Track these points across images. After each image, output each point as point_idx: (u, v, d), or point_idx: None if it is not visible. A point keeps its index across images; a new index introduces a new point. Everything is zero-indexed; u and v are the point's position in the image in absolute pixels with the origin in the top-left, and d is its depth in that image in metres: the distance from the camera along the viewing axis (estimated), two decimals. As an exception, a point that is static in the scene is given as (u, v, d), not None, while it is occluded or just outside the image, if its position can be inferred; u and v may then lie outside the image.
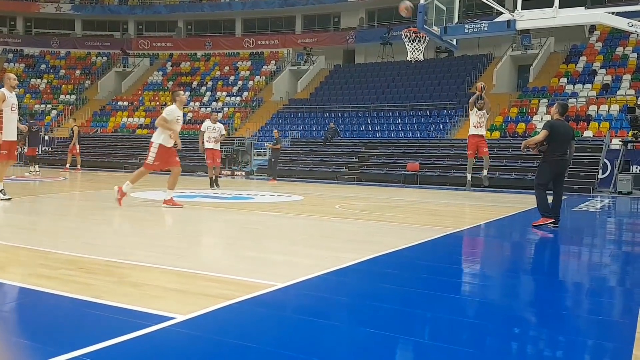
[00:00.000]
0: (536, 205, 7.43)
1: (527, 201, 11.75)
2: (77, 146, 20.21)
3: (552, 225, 7.23)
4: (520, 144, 7.83)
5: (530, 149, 7.54)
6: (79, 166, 20.92)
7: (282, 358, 2.33)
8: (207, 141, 13.08)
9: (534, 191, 7.49)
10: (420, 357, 2.48)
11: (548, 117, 22.38)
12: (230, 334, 2.66)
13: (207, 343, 2.50)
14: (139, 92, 35.39)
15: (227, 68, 35.69)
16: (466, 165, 13.90)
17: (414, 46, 14.71)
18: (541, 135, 7.22)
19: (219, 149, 13.47)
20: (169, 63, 37.72)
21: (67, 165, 20.92)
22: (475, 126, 12.84)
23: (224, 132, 13.51)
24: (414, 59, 15.01)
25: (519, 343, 2.74)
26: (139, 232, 5.43)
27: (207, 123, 13.26)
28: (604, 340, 2.83)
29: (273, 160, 19.57)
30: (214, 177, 13.28)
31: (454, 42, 13.15)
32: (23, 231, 5.74)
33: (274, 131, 20.62)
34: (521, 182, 17.47)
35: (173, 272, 3.80)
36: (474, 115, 12.86)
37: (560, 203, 7.40)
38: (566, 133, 7.33)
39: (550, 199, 7.40)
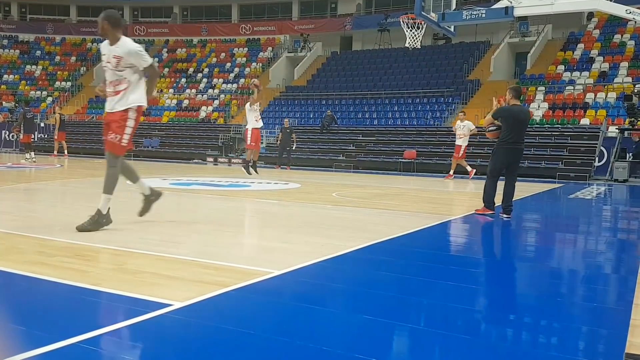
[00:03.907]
0: (483, 193, 7.08)
1: (523, 189, 11.77)
2: (57, 133, 20.67)
3: (505, 216, 6.89)
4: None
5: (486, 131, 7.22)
6: (65, 152, 21.20)
7: (279, 344, 2.35)
8: None
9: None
10: (416, 344, 2.50)
11: (545, 105, 22.39)
12: (227, 320, 2.67)
13: (203, 329, 2.51)
14: (135, 78, 35.16)
15: (223, 54, 35.46)
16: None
17: (413, 33, 14.58)
18: (489, 114, 7.04)
19: None
20: (165, 49, 37.46)
21: (55, 152, 21.63)
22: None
23: None
24: (412, 46, 14.88)
25: (514, 330, 2.76)
26: (136, 220, 5.43)
27: None
28: (598, 326, 2.85)
29: (288, 148, 20.16)
30: None
31: (452, 29, 13.09)
32: (19, 218, 5.73)
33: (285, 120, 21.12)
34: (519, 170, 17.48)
35: (170, 259, 3.81)
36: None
37: (513, 193, 7.05)
38: (525, 119, 7.03)
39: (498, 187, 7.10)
